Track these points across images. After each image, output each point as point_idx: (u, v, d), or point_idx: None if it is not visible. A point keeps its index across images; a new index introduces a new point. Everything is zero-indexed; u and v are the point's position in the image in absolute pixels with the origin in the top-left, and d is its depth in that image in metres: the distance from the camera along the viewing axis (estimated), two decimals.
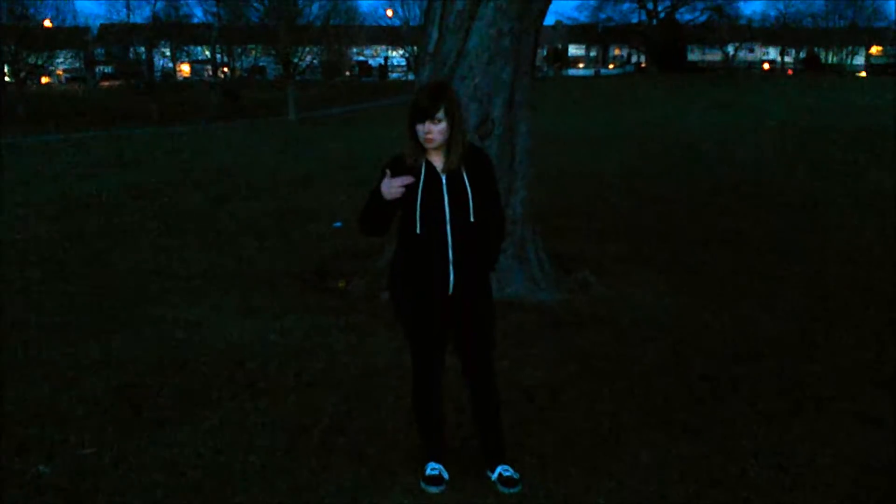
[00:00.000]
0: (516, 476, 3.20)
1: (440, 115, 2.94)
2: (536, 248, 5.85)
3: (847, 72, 57.72)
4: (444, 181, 3.00)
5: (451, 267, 3.00)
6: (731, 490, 3.16)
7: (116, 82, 48.51)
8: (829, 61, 63.14)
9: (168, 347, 4.77)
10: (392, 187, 2.94)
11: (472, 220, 3.01)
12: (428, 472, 3.22)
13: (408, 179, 2.96)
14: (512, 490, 3.16)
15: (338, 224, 8.35)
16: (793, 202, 9.36)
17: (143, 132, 17.64)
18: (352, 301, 5.61)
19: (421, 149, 3.00)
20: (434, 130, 2.95)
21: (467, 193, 3.01)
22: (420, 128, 2.96)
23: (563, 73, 63.02)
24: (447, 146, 3.01)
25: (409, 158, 3.01)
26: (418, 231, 2.99)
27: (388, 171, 2.99)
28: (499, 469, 3.22)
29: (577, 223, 8.11)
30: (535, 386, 4.14)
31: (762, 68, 65.01)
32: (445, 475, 3.23)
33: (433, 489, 3.17)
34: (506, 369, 4.16)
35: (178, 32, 44.10)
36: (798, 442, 3.53)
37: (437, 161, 3.03)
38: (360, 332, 4.98)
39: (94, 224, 8.71)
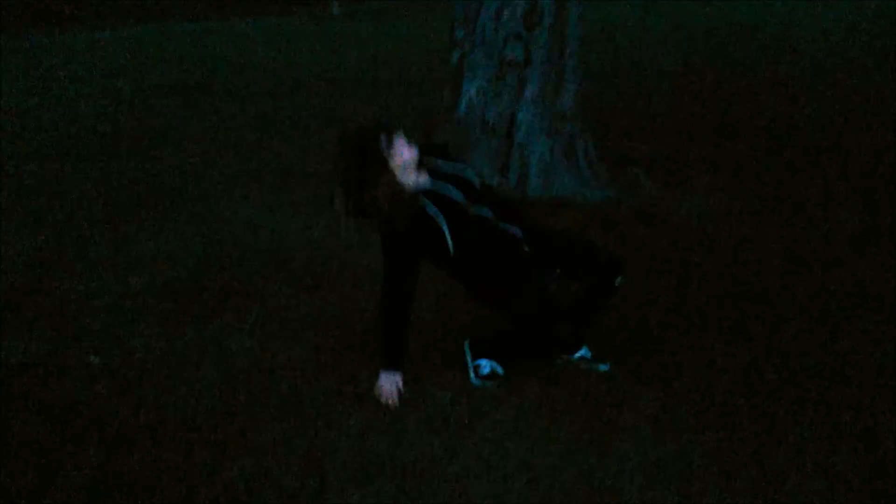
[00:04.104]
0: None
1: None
2: (586, 144, 5.65)
3: None
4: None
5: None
6: (775, 392, 3.09)
7: None
8: None
9: (212, 244, 4.77)
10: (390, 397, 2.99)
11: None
12: (483, 370, 3.20)
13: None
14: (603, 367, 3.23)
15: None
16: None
17: (178, 28, 17.35)
18: None
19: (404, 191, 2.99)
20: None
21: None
22: (393, 152, 2.96)
23: None
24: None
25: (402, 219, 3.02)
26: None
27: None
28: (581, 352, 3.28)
29: (629, 120, 7.79)
30: None
31: None
32: (499, 370, 3.20)
33: (487, 384, 3.16)
34: None
35: None
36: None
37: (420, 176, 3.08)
38: None
39: (133, 122, 8.68)
